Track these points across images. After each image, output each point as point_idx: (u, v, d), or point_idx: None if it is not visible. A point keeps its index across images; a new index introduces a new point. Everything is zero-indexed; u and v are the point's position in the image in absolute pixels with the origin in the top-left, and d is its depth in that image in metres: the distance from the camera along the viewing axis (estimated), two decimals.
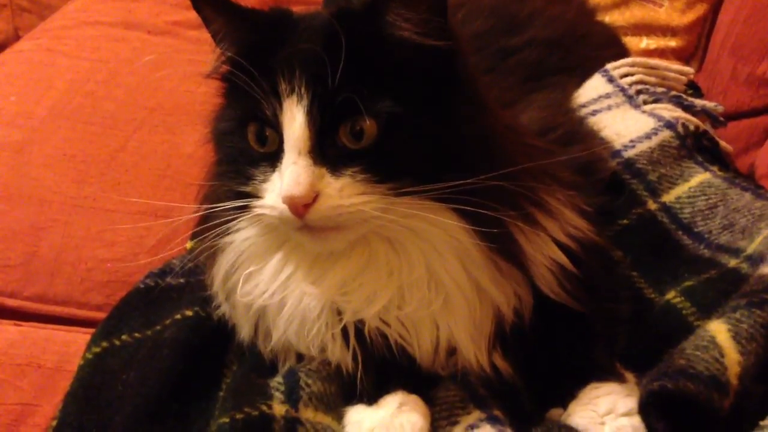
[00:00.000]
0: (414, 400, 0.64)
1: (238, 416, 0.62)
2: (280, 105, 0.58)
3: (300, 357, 0.68)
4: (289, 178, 0.57)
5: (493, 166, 0.59)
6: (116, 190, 1.06)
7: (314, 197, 0.57)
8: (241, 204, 0.62)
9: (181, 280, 0.79)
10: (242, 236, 0.65)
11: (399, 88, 0.58)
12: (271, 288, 0.65)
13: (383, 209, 0.58)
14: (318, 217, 0.58)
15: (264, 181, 0.60)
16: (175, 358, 0.70)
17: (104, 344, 0.73)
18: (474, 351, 0.64)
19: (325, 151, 0.58)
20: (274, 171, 0.60)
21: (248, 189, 0.61)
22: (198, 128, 1.16)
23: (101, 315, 0.81)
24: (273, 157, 0.60)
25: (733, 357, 0.54)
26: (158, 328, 0.74)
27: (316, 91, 0.58)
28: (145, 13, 1.44)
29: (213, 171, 0.70)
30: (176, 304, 0.76)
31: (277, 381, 0.67)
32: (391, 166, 0.58)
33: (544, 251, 0.64)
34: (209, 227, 0.66)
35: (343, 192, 0.58)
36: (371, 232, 0.61)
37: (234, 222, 0.64)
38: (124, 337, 0.74)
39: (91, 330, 0.77)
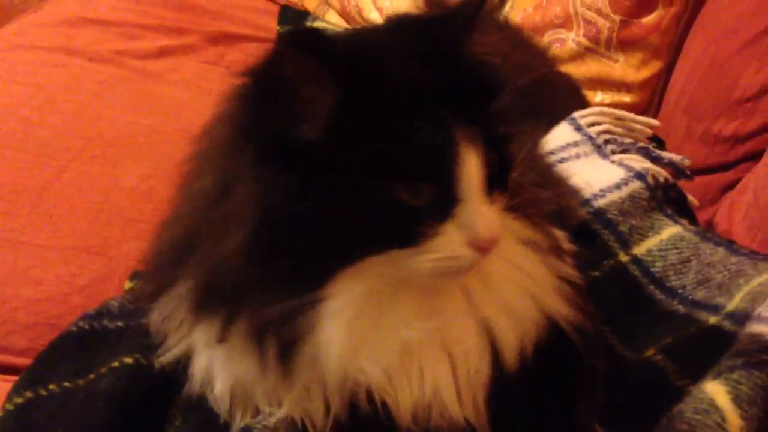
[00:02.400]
0: None
1: None
2: (450, 151, 0.53)
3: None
4: (483, 222, 0.54)
5: None
6: (48, 223, 0.97)
7: None
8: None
9: (120, 324, 0.72)
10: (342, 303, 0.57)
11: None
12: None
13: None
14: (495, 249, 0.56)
15: (430, 234, 0.54)
16: (111, 411, 0.62)
17: (28, 394, 0.65)
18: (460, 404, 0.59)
19: (487, 186, 0.56)
20: (442, 221, 0.54)
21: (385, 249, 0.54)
22: (141, 161, 1.11)
23: (26, 361, 0.72)
24: (434, 208, 0.54)
25: (735, 422, 0.51)
26: (92, 376, 0.66)
27: (483, 130, 0.55)
28: (87, 40, 1.37)
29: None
30: (114, 350, 0.68)
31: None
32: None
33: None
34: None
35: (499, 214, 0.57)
36: None
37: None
38: (51, 386, 0.66)
39: (14, 378, 0.69)
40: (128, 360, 0.66)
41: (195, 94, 1.28)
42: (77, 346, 0.70)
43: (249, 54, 1.57)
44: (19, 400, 0.64)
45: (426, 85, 0.55)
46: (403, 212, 0.53)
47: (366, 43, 0.60)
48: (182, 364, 0.63)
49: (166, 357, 0.63)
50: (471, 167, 0.54)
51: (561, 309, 0.62)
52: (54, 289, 0.89)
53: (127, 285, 0.85)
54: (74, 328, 0.71)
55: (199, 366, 0.61)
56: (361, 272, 0.55)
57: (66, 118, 1.14)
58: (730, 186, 1.15)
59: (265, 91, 0.53)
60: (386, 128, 0.53)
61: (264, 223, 0.53)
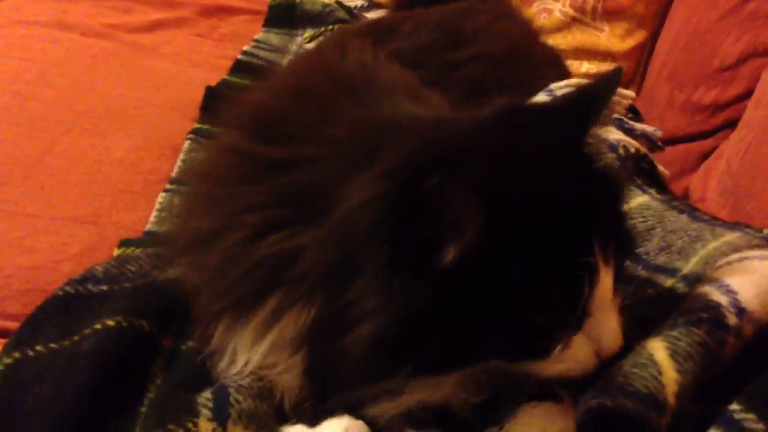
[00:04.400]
0: (360, 426, 0.60)
1: None
2: (590, 276, 0.54)
3: None
4: (611, 334, 0.57)
5: None
6: (41, 194, 1.00)
7: None
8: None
9: (104, 288, 0.75)
10: None
11: None
12: None
13: None
14: None
15: (557, 347, 0.55)
16: (94, 371, 0.65)
17: (17, 355, 0.67)
18: None
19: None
20: (571, 335, 0.55)
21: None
22: (131, 133, 1.14)
23: (17, 325, 0.75)
24: (565, 323, 0.55)
25: (670, 375, 0.54)
26: (76, 338, 0.69)
27: (616, 241, 0.57)
28: (80, 14, 1.40)
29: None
30: (97, 313, 0.71)
31: (205, 397, 0.63)
32: None
33: None
34: None
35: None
36: None
37: None
38: (38, 347, 0.68)
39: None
40: (110, 322, 0.69)
41: (185, 67, 1.31)
42: (63, 310, 0.72)
43: (241, 26, 1.60)
44: (9, 361, 0.67)
45: (563, 203, 0.53)
46: (534, 329, 0.53)
47: (494, 155, 0.55)
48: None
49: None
50: (604, 285, 0.55)
51: None
52: (47, 257, 0.93)
53: (116, 252, 0.88)
54: (60, 293, 0.74)
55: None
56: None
57: (59, 92, 1.18)
58: (710, 154, 1.17)
59: (410, 208, 0.51)
60: (528, 255, 0.52)
61: (389, 326, 0.52)
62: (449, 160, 0.51)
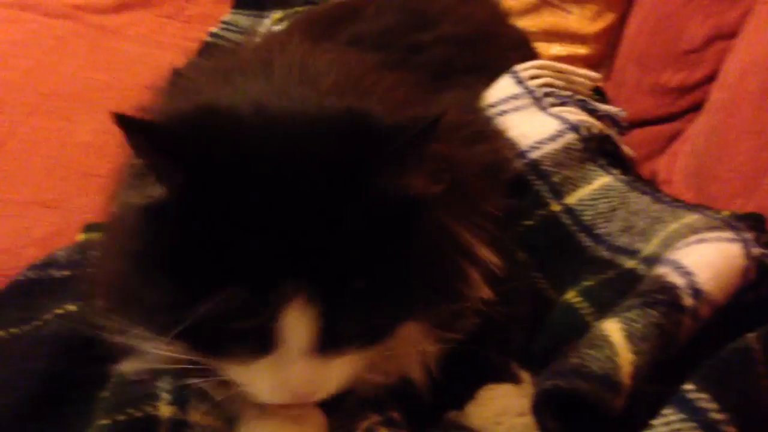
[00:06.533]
0: (313, 407, 0.61)
1: (120, 418, 0.58)
2: (274, 304, 0.50)
3: None
4: (290, 379, 0.53)
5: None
6: (3, 178, 1.00)
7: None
8: None
9: (66, 273, 0.74)
10: None
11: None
12: None
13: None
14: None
15: (247, 359, 0.53)
16: (54, 357, 0.65)
17: None
18: None
19: (327, 334, 0.52)
20: (261, 354, 0.53)
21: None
22: (95, 116, 1.12)
23: None
24: (252, 343, 0.52)
25: (626, 356, 0.54)
26: (38, 323, 0.68)
27: (323, 280, 0.50)
28: None
29: None
30: (59, 298, 0.70)
31: (165, 380, 0.63)
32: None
33: None
34: None
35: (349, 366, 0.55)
36: None
37: None
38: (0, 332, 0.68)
39: None
40: (72, 307, 0.68)
41: (151, 48, 1.30)
42: (24, 295, 0.72)
43: (208, 7, 1.57)
44: None
45: (290, 215, 0.50)
46: (220, 331, 0.51)
47: (251, 144, 0.52)
48: None
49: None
50: (296, 323, 0.51)
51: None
52: (9, 242, 0.92)
53: (80, 237, 0.87)
54: (21, 278, 0.73)
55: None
56: None
57: (21, 74, 1.16)
58: (677, 136, 1.18)
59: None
60: (220, 244, 0.50)
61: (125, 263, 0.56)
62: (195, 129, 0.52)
